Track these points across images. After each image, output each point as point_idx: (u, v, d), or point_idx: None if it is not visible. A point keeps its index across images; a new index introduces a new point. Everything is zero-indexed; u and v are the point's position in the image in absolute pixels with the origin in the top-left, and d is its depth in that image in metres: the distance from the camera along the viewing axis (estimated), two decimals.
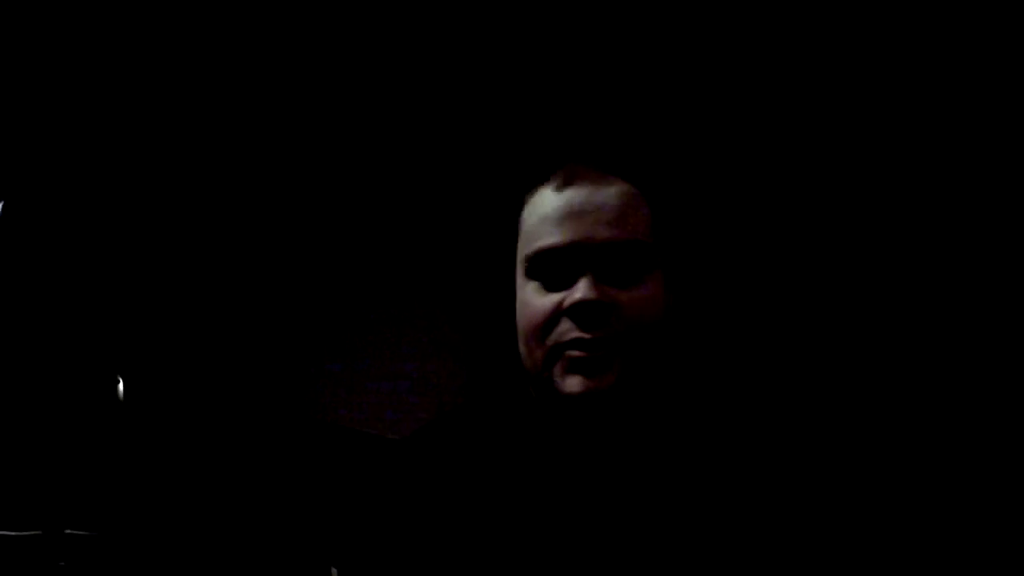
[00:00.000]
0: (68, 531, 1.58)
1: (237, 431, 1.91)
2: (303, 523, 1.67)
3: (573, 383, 0.80)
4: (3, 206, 2.12)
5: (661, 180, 0.90)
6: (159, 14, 2.21)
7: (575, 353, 0.80)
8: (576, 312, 0.80)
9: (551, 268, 0.83)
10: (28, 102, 2.25)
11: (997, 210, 1.74)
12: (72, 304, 2.13)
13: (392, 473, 0.88)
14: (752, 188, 1.87)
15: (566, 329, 0.81)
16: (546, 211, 0.85)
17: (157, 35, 2.23)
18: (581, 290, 0.80)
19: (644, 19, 1.98)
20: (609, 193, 0.84)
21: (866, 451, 1.66)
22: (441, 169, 2.20)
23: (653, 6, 1.98)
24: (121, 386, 1.91)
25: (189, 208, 2.25)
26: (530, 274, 0.85)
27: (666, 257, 0.86)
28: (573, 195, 0.84)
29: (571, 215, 0.83)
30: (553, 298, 0.82)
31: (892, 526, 1.59)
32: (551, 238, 0.83)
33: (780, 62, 1.89)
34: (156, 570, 1.68)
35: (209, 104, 2.26)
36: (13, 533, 1.56)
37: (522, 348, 0.86)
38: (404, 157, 2.25)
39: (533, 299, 0.84)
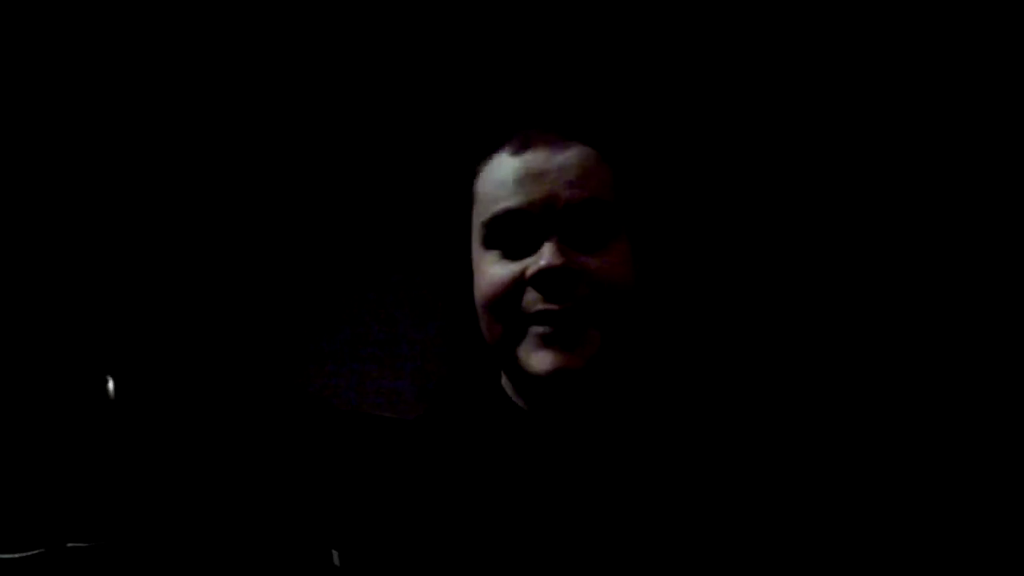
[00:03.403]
0: (70, 544, 1.58)
1: (231, 416, 1.90)
2: (303, 506, 1.68)
3: (542, 360, 0.74)
4: None
5: (622, 140, 0.87)
6: (150, 13, 2.14)
7: (542, 328, 0.74)
8: (541, 280, 0.74)
9: (511, 234, 0.78)
10: (10, 99, 2.19)
11: (985, 203, 1.69)
12: (57, 299, 2.10)
13: (395, 454, 0.85)
14: (717, 147, 1.82)
15: (531, 300, 0.75)
16: (503, 175, 0.80)
17: (132, 28, 2.16)
18: (546, 256, 0.74)
19: None
20: (569, 155, 0.79)
21: (840, 425, 1.62)
22: (410, 142, 2.16)
23: None
24: (111, 384, 1.90)
25: (172, 197, 2.20)
26: (488, 243, 0.80)
27: (631, 220, 0.80)
28: (531, 158, 0.79)
29: (530, 176, 0.78)
30: (514, 267, 0.77)
31: (869, 500, 1.54)
32: (509, 200, 0.78)
33: (742, 27, 1.83)
34: (160, 557, 1.68)
35: (187, 95, 2.20)
36: (17, 555, 1.55)
37: (482, 322, 0.80)
38: (404, 150, 2.20)
39: (492, 269, 0.78)
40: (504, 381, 0.87)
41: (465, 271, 0.86)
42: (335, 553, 1.49)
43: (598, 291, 0.75)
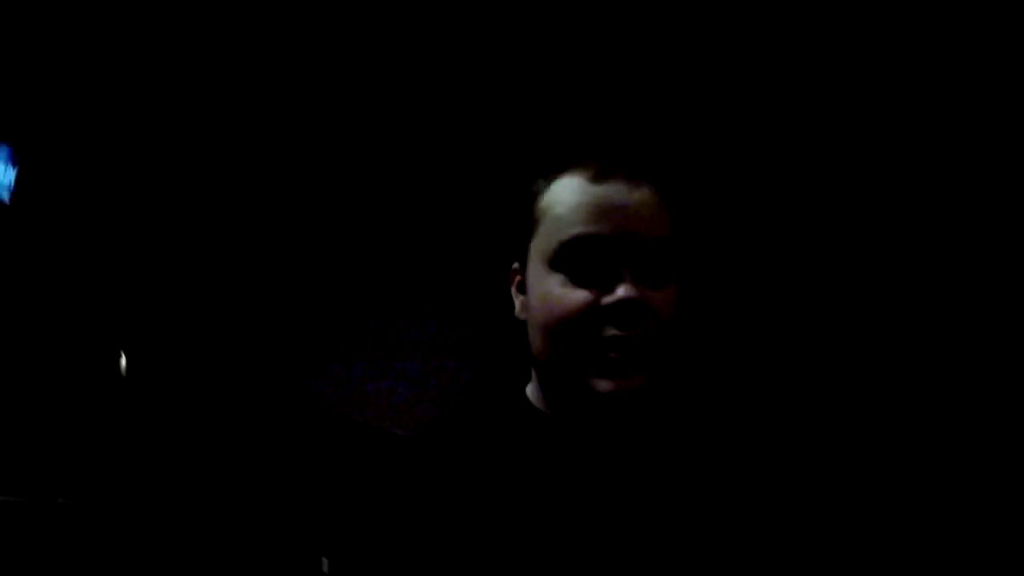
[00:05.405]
0: (60, 500, 1.58)
1: (237, 419, 1.90)
2: (296, 512, 1.67)
3: (606, 384, 0.79)
4: (16, 173, 2.13)
5: (680, 187, 0.91)
6: (165, 16, 2.20)
7: (613, 353, 0.78)
8: (618, 311, 0.78)
9: (583, 259, 0.80)
10: (54, 99, 2.25)
11: (997, 210, 1.73)
12: (79, 293, 2.13)
13: (392, 468, 0.85)
14: (759, 195, 1.88)
15: (604, 328, 0.78)
16: (581, 200, 0.81)
17: (185, 38, 2.23)
18: (625, 288, 0.78)
19: (663, 24, 1.99)
20: (643, 193, 0.82)
21: (867, 442, 1.66)
22: (443, 166, 2.20)
23: (671, 12, 1.99)
24: (124, 360, 1.91)
25: (199, 207, 2.25)
26: (555, 265, 0.81)
27: (680, 261, 0.85)
28: (614, 189, 0.81)
29: (612, 208, 0.80)
30: (586, 294, 0.79)
31: (910, 526, 1.61)
32: (587, 227, 0.80)
33: (785, 70, 1.90)
34: (152, 546, 1.67)
35: (225, 106, 2.26)
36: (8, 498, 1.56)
37: (544, 342, 0.82)
38: (407, 155, 2.24)
39: (562, 293, 0.80)
40: (530, 390, 0.89)
41: (504, 287, 0.89)
42: (325, 560, 1.48)
43: (659, 325, 0.80)
